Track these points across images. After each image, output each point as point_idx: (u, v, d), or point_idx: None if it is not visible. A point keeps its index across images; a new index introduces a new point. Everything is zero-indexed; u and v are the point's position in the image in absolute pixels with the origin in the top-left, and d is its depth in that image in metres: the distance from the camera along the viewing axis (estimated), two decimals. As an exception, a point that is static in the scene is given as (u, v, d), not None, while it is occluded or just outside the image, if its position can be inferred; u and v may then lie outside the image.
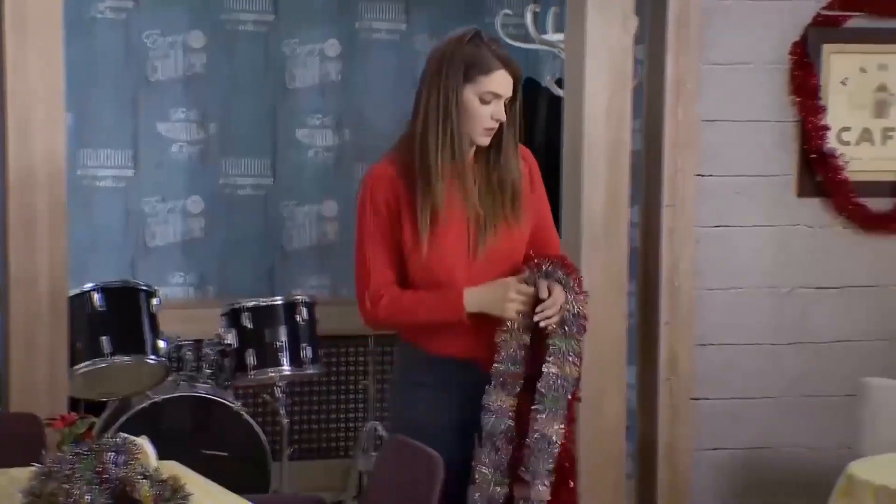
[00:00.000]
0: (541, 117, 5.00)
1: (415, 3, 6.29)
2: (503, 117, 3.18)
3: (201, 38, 6.05)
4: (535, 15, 4.95)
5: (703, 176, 4.57)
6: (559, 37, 4.84)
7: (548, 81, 5.00)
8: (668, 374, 4.56)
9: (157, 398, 4.88)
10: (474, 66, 3.15)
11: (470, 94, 3.15)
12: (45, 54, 3.93)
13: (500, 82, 3.17)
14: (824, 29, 4.57)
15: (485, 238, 3.19)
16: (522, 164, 3.26)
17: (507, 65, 3.18)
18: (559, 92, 4.77)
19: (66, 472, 2.88)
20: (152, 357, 4.93)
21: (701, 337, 4.59)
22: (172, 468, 3.31)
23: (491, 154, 3.22)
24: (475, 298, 3.17)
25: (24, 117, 3.95)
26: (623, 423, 4.48)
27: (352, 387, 6.03)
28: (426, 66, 3.22)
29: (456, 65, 3.15)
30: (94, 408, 5.01)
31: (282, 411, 5.27)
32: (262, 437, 4.97)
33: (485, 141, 3.19)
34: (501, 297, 3.16)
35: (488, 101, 3.16)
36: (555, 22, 5.01)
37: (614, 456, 4.44)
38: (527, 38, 5.12)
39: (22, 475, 3.05)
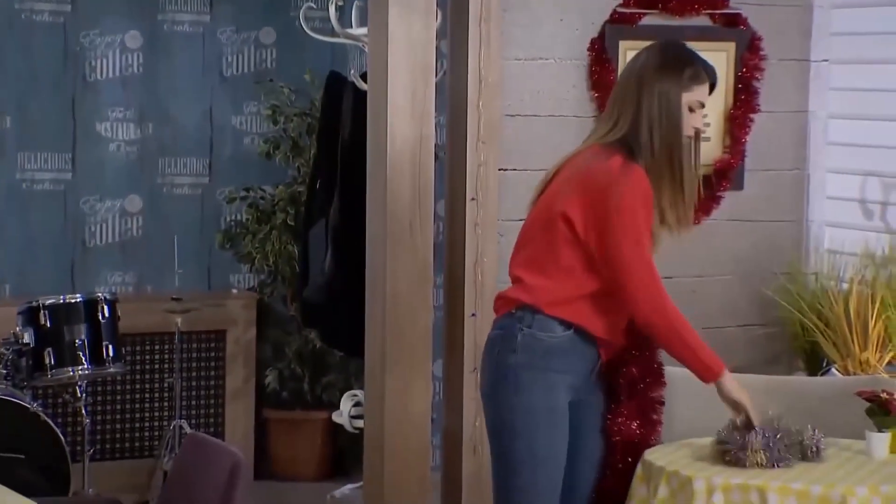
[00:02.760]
0: (346, 112, 4.98)
1: (219, -4, 6.23)
2: (702, 126, 3.51)
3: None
4: (339, 8, 4.93)
5: (506, 170, 4.62)
6: (363, 31, 4.83)
7: (352, 76, 4.98)
8: (474, 366, 4.60)
9: (-51, 400, 4.73)
10: (694, 76, 3.44)
11: (685, 101, 3.43)
12: None
13: (703, 94, 3.46)
14: (621, 26, 4.67)
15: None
16: None
17: (713, 79, 3.50)
18: (364, 86, 4.76)
19: None
20: (-58, 358, 4.78)
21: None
22: (-40, 473, 3.21)
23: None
24: (732, 385, 3.48)
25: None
26: (429, 415, 4.50)
27: (157, 385, 5.93)
28: (639, 68, 3.44)
29: (677, 71, 3.43)
30: None
31: (83, 411, 5.17)
32: (61, 437, 4.88)
33: (699, 147, 3.55)
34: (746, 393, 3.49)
35: (694, 110, 3.45)
36: (359, 16, 5.00)
37: (420, 448, 4.45)
38: (331, 31, 5.09)
39: None
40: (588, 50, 4.66)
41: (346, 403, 5.11)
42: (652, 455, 3.51)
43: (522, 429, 3.40)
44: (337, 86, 5.14)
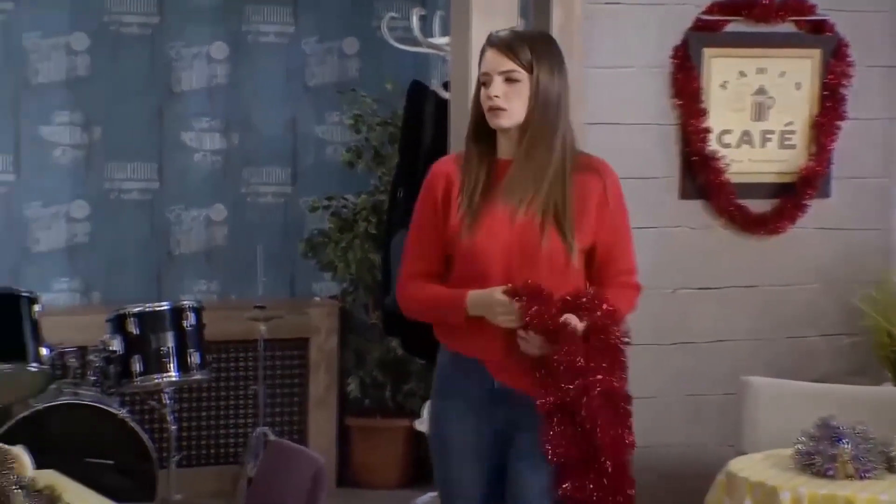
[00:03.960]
0: (428, 121, 5.00)
1: (302, 6, 6.27)
2: (493, 93, 3.11)
3: (84, 40, 5.97)
4: (422, 18, 4.95)
5: (587, 178, 4.59)
6: (445, 40, 4.85)
7: (434, 85, 5.00)
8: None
9: (39, 406, 4.81)
10: (481, 53, 3.21)
11: (480, 83, 3.18)
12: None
13: (488, 60, 3.15)
14: (704, 33, 4.64)
15: (521, 233, 3.13)
16: (594, 176, 3.19)
17: (494, 42, 3.15)
18: (446, 95, 4.78)
19: None
20: (34, 364, 4.86)
21: (587, 338, 4.61)
22: (50, 478, 3.25)
23: (524, 141, 3.16)
24: (475, 302, 3.12)
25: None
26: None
27: (241, 392, 5.98)
28: None
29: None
30: (-26, 417, 4.92)
31: (169, 418, 5.21)
32: (149, 444, 4.92)
33: (495, 123, 3.14)
34: (491, 307, 3.09)
35: (485, 84, 3.15)
36: (441, 25, 5.02)
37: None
38: (414, 41, 5.11)
39: None
40: (671, 57, 4.63)
41: (427, 411, 5.11)
42: (735, 466, 3.47)
43: (432, 456, 3.33)
44: (419, 95, 5.16)
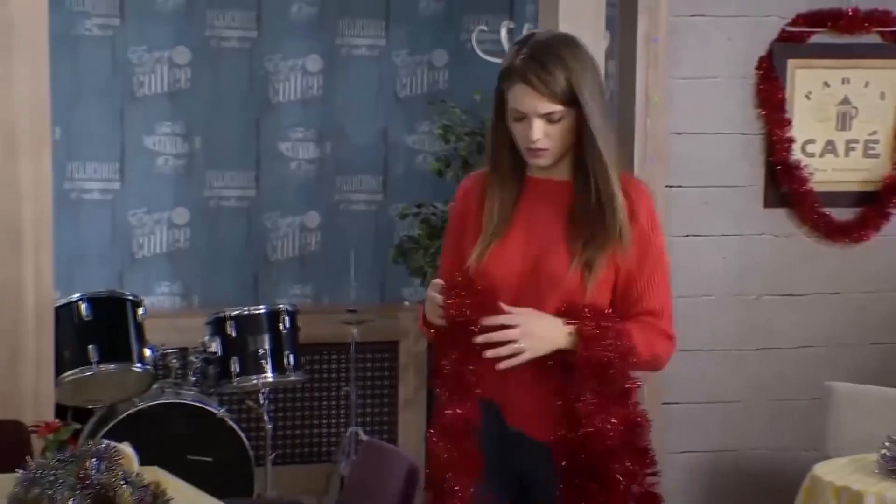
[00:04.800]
0: (515, 130, 4.99)
1: (394, 20, 6.29)
2: (534, 137, 2.63)
3: (186, 54, 6.04)
4: (510, 31, 4.95)
5: (672, 187, 4.57)
6: (533, 52, 4.83)
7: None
8: (641, 379, 4.55)
9: (143, 405, 4.86)
10: (503, 76, 2.72)
11: (509, 108, 2.70)
12: (32, 69, 3.91)
13: (520, 98, 2.64)
14: (789, 44, 4.58)
15: (535, 259, 2.70)
16: (621, 198, 2.66)
17: (523, 75, 2.63)
18: (533, 106, 4.77)
19: (49, 477, 2.87)
20: (138, 365, 4.92)
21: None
22: (154, 473, 3.29)
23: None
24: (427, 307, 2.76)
25: (11, 132, 3.93)
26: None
27: (334, 393, 6.01)
28: None
29: (500, 73, 2.73)
30: (82, 415, 4.99)
31: (265, 417, 5.25)
32: (246, 442, 4.95)
33: (535, 163, 2.69)
34: (429, 304, 2.74)
35: (518, 119, 2.68)
36: (528, 38, 5.00)
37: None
38: (501, 53, 5.11)
39: (6, 482, 3.03)
40: (756, 68, 4.58)
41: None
42: (821, 470, 3.42)
43: None
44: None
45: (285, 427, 5.94)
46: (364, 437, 5.45)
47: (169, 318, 5.74)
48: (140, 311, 4.99)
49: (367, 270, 6.17)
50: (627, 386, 2.65)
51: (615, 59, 4.61)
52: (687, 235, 4.61)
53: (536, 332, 2.61)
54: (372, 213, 6.35)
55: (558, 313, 2.65)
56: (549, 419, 2.64)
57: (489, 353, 2.62)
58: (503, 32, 4.90)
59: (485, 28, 5.53)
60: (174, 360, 5.13)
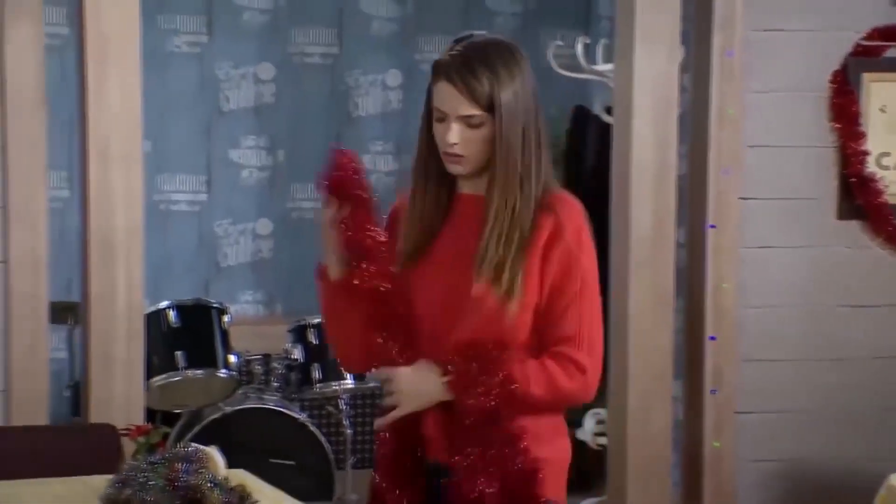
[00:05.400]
0: (591, 143, 4.98)
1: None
2: (451, 140, 2.41)
3: (271, 70, 6.09)
4: (586, 46, 4.92)
5: (746, 199, 4.51)
6: (608, 66, 4.81)
7: (597, 109, 4.97)
8: (713, 388, 4.50)
9: (228, 409, 4.89)
10: (432, 71, 2.50)
11: (433, 108, 2.48)
12: (125, 85, 3.95)
13: (442, 95, 2.42)
14: (864, 59, 4.50)
15: (454, 279, 2.46)
16: (548, 217, 2.44)
17: (446, 73, 2.41)
18: (608, 119, 4.74)
19: (140, 479, 2.89)
20: (223, 371, 4.96)
21: (745, 352, 4.52)
22: (241, 476, 3.30)
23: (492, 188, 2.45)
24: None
25: (104, 145, 3.97)
26: (669, 433, 4.42)
27: (413, 399, 6.01)
28: None
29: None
30: (170, 418, 5.03)
31: (345, 422, 5.27)
32: (327, 446, 4.97)
33: (452, 169, 2.47)
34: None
35: (440, 120, 2.45)
36: (604, 53, 4.98)
37: (661, 465, 4.38)
38: (577, 68, 5.08)
39: (99, 483, 3.06)
40: (830, 82, 4.51)
41: (589, 421, 5.05)
42: (896, 480, 3.36)
43: None
44: (582, 118, 5.13)
45: (364, 432, 5.94)
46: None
47: (252, 326, 5.78)
48: (225, 318, 5.03)
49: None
50: (517, 433, 2.38)
51: (689, 74, 4.56)
52: (761, 247, 4.55)
53: (406, 389, 2.41)
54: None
55: (457, 351, 2.39)
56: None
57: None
58: (579, 48, 4.87)
59: (561, 43, 5.50)
60: (258, 367, 5.16)
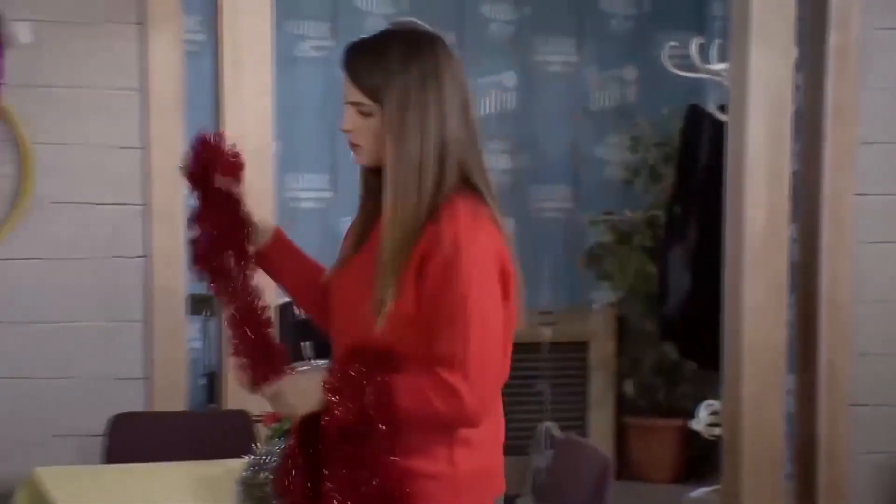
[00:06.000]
0: (704, 141, 4.91)
1: (586, 38, 6.25)
2: (342, 125, 2.24)
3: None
4: (701, 46, 4.87)
5: (861, 195, 4.41)
6: (722, 66, 4.75)
7: (711, 108, 4.91)
8: (827, 381, 4.42)
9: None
10: None
11: None
12: (258, 89, 4.01)
13: (349, 85, 2.24)
14: (982, 54, 4.38)
15: (350, 288, 2.27)
16: (433, 226, 2.15)
17: (344, 57, 2.24)
18: (722, 117, 4.68)
19: (274, 463, 2.93)
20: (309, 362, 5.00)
21: (858, 346, 4.43)
22: (368, 462, 3.33)
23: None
24: None
25: (239, 145, 4.02)
26: (783, 426, 4.35)
27: (527, 390, 6.00)
28: None
29: None
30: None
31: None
32: (447, 434, 4.98)
33: (354, 160, 2.28)
34: None
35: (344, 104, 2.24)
36: (719, 52, 4.92)
37: (775, 457, 4.32)
38: (691, 67, 5.03)
39: (235, 466, 3.11)
40: (945, 79, 4.39)
41: (703, 412, 5.01)
42: None
43: None
44: (696, 117, 5.07)
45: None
46: (556, 433, 5.43)
47: (374, 318, 5.82)
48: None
49: (558, 275, 6.14)
50: (385, 453, 2.12)
51: (803, 72, 4.48)
52: (875, 242, 4.45)
53: (292, 398, 2.18)
54: (563, 221, 6.32)
55: (341, 358, 2.19)
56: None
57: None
58: (693, 48, 4.82)
59: (676, 44, 5.44)
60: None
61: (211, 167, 2.34)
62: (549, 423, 5.57)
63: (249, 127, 4.02)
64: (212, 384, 5.29)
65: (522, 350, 5.92)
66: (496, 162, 6.24)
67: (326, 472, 2.14)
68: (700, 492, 5.21)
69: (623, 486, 5.84)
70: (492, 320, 2.14)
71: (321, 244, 6.09)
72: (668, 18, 6.19)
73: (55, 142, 3.90)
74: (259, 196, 4.05)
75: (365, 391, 2.08)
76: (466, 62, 6.53)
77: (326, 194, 6.10)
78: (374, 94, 2.18)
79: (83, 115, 3.91)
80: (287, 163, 5.98)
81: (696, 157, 4.97)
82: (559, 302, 6.09)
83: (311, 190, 6.09)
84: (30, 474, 3.33)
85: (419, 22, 2.27)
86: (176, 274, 3.96)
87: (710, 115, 4.92)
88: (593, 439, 5.90)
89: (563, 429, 5.75)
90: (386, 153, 2.18)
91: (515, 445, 6.02)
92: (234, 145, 2.37)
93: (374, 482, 2.11)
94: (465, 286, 2.10)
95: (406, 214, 2.14)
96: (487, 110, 6.21)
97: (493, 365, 2.16)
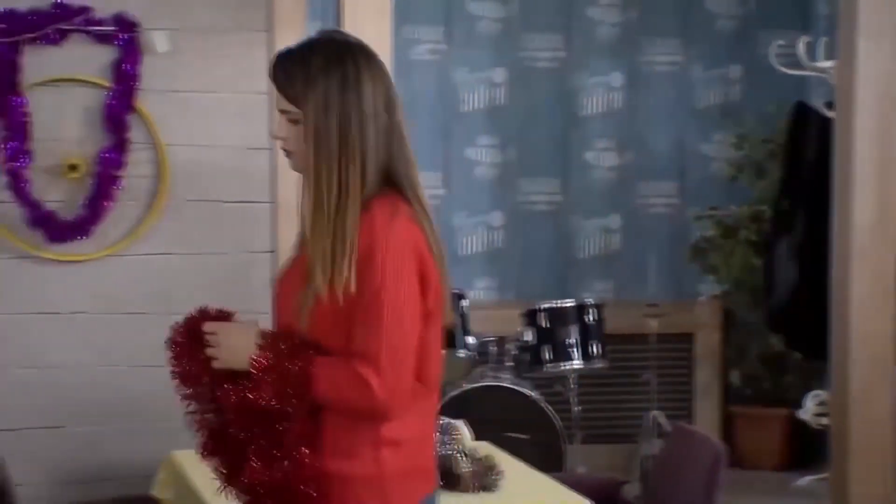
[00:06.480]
0: (811, 137, 4.81)
1: (692, 38, 6.17)
2: (273, 132, 2.25)
3: (503, 74, 6.12)
4: (807, 45, 4.76)
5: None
6: (829, 63, 4.65)
7: (818, 104, 4.80)
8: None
9: (467, 386, 4.94)
10: None
11: None
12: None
13: (276, 91, 2.22)
14: None
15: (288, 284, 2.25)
16: (362, 224, 2.13)
17: (271, 74, 2.22)
18: (829, 114, 4.57)
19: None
20: (462, 351, 5.00)
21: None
22: (486, 448, 3.33)
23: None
24: None
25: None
26: (890, 418, 4.24)
27: (635, 379, 5.94)
28: None
29: None
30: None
31: (573, 400, 5.24)
32: (557, 422, 4.96)
33: (291, 167, 2.25)
34: None
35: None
36: (826, 50, 4.81)
37: (884, 447, 4.21)
38: (798, 65, 4.93)
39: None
40: None
41: (811, 402, 4.91)
42: None
43: None
44: (803, 114, 4.97)
45: (591, 409, 5.91)
46: (663, 421, 5.37)
47: (487, 311, 5.81)
48: (464, 303, 5.07)
49: (664, 268, 6.07)
50: (301, 440, 2.09)
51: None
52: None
53: (225, 343, 2.15)
54: (669, 216, 6.25)
55: (274, 339, 2.14)
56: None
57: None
58: (800, 47, 4.72)
59: (783, 43, 5.34)
60: (493, 348, 5.19)
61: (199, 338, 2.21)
62: (655, 412, 5.51)
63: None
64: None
65: (630, 341, 5.95)
66: (602, 159, 6.19)
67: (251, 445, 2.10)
68: (807, 480, 5.12)
69: (730, 473, 5.70)
70: (407, 315, 2.11)
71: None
72: (773, 17, 6.08)
73: (189, 143, 3.97)
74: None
75: (288, 373, 2.07)
76: (573, 64, 6.55)
77: (439, 192, 6.12)
78: (297, 101, 2.16)
79: (215, 118, 3.98)
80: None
81: (804, 153, 4.87)
82: (666, 294, 6.02)
83: (425, 187, 6.10)
84: (168, 456, 3.40)
85: (343, 31, 2.24)
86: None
87: (816, 112, 4.82)
88: (700, 426, 5.82)
89: (669, 417, 5.68)
90: (309, 158, 2.15)
91: (623, 433, 6.00)
92: (231, 314, 2.25)
93: (289, 469, 2.07)
94: (380, 282, 2.09)
95: (330, 217, 2.12)
96: (595, 110, 6.16)
97: (408, 358, 2.11)
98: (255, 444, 2.08)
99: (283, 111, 2.18)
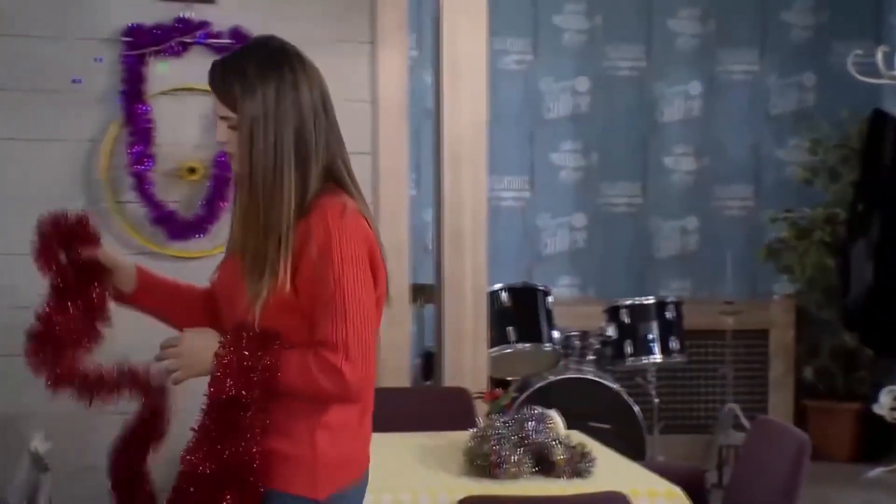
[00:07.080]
0: (887, 143, 4.72)
1: (767, 48, 6.09)
2: (216, 137, 2.18)
3: (586, 83, 6.10)
4: (885, 54, 4.68)
5: None
6: (905, 72, 4.56)
7: (894, 111, 4.72)
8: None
9: (552, 378, 4.93)
10: None
11: None
12: (473, 98, 4.04)
13: (214, 98, 2.17)
14: None
15: (226, 277, 2.22)
16: (306, 222, 2.10)
17: (209, 80, 2.17)
18: (904, 120, 4.49)
19: (496, 435, 2.96)
20: (548, 345, 5.00)
21: None
22: (578, 437, 3.33)
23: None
24: None
25: (456, 151, 4.08)
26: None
27: (712, 373, 5.89)
28: None
29: None
30: (500, 384, 5.11)
31: (653, 392, 5.21)
32: (638, 413, 4.93)
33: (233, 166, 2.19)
34: None
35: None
36: (901, 59, 4.73)
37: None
38: (874, 73, 4.85)
39: (457, 437, 3.15)
40: None
41: (885, 397, 4.83)
42: None
43: None
44: (880, 120, 4.89)
45: (669, 401, 5.88)
46: (739, 413, 5.31)
47: (569, 307, 5.80)
48: (549, 299, 5.06)
49: (740, 268, 6.01)
50: (254, 429, 2.06)
51: None
52: None
53: (186, 354, 2.12)
54: (744, 218, 6.19)
55: (235, 335, 2.11)
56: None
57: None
58: (879, 55, 4.64)
59: (860, 52, 5.25)
60: (576, 342, 5.18)
61: (65, 246, 2.20)
62: (731, 405, 5.46)
63: (466, 133, 4.05)
64: (426, 364, 5.38)
65: (707, 337, 5.90)
66: (680, 164, 6.14)
67: (194, 430, 2.09)
68: (879, 471, 5.03)
69: (803, 465, 5.67)
70: (366, 303, 2.10)
71: (521, 239, 6.13)
72: (845, 27, 5.99)
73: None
74: (474, 196, 4.09)
75: (252, 368, 2.05)
76: (654, 73, 6.53)
77: (525, 194, 6.11)
78: (235, 107, 2.12)
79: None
80: (490, 166, 6.00)
81: (880, 158, 4.78)
82: (741, 293, 5.96)
83: (511, 190, 6.12)
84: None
85: (277, 36, 2.19)
86: (400, 265, 4.03)
87: (893, 119, 4.73)
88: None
89: (744, 410, 5.62)
90: (241, 159, 2.12)
91: (701, 424, 5.95)
92: (84, 217, 2.23)
93: (234, 454, 2.05)
94: (339, 272, 2.07)
95: (260, 219, 2.10)
96: (673, 117, 6.12)
97: (372, 342, 2.10)
98: (216, 430, 2.06)
99: (222, 117, 2.14)
